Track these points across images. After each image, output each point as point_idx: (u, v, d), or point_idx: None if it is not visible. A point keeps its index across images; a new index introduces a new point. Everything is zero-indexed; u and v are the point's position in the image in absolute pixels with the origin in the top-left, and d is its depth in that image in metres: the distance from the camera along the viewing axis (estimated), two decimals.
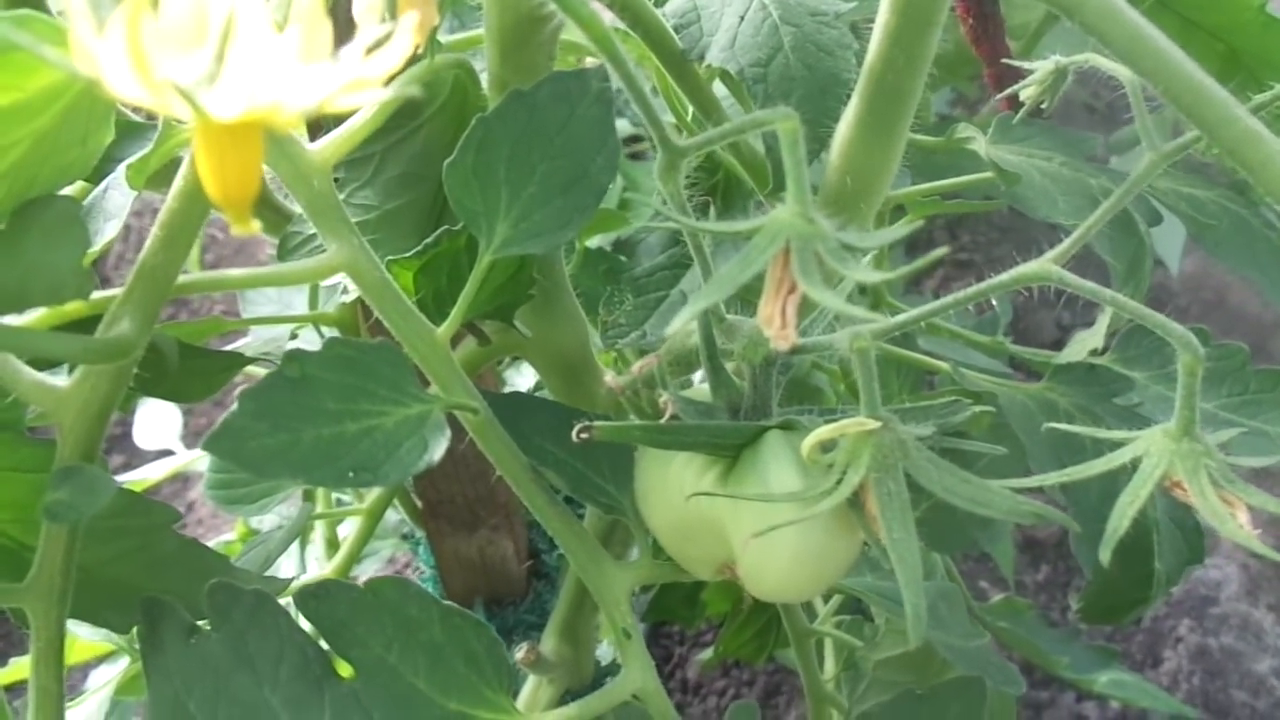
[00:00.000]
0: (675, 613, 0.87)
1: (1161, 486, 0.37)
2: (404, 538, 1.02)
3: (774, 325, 0.32)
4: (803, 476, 0.39)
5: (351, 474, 0.35)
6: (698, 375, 0.55)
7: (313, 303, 0.66)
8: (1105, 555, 0.36)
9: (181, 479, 1.41)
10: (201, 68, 0.22)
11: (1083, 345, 0.65)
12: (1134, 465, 0.38)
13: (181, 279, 0.37)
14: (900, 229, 0.32)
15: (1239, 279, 1.61)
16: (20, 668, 0.78)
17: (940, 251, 0.29)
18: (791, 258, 0.31)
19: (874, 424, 0.37)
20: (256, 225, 0.24)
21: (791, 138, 0.31)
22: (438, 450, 0.37)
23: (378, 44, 0.23)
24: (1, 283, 0.32)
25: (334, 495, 0.73)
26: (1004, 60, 0.55)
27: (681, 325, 0.29)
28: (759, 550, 0.39)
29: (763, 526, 0.38)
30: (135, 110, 0.57)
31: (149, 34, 0.20)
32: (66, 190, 0.41)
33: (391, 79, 0.24)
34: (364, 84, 0.22)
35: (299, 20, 0.22)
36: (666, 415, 0.41)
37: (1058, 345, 0.75)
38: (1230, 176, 0.68)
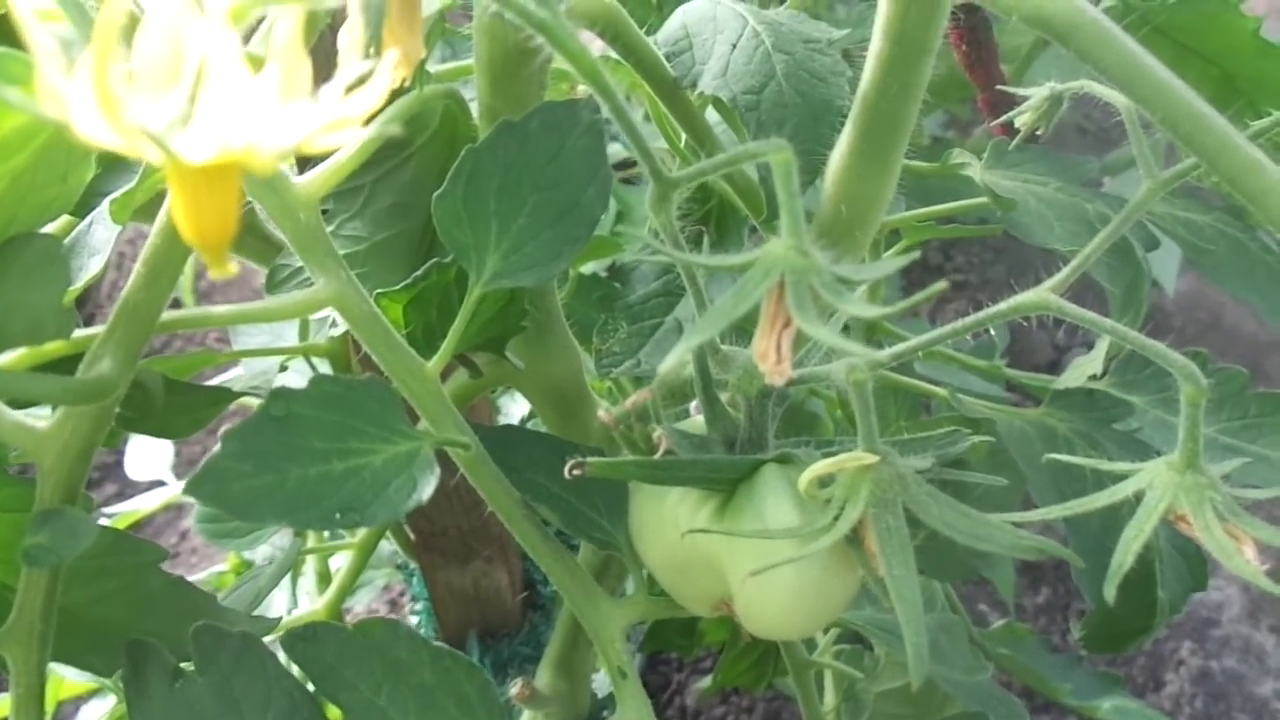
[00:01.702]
0: (673, 642, 0.86)
1: (1165, 520, 0.36)
2: (398, 568, 1.01)
3: (769, 360, 0.31)
4: (800, 512, 0.38)
5: (338, 515, 0.34)
6: (693, 404, 0.54)
7: (303, 334, 0.65)
8: (1110, 592, 0.35)
9: (175, 508, 1.40)
10: (175, 109, 0.21)
11: (1081, 371, 0.64)
12: (1137, 497, 0.38)
13: (165, 316, 0.37)
14: (893, 261, 0.31)
15: (1234, 301, 1.61)
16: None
17: (939, 286, 0.28)
18: (786, 292, 0.30)
19: (872, 458, 0.37)
20: (234, 268, 0.23)
21: (785, 170, 0.31)
22: (426, 489, 0.36)
23: (359, 81, 0.22)
24: None
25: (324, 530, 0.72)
26: (998, 87, 0.54)
27: (676, 360, 0.28)
28: (756, 588, 0.38)
29: (760, 564, 0.38)
30: None
31: (118, 75, 0.20)
32: (49, 226, 0.40)
33: (377, 114, 0.23)
34: (344, 123, 0.21)
35: (277, 58, 0.21)
36: (661, 450, 0.40)
37: (1054, 366, 0.75)
38: (1226, 200, 0.68)
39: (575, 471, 0.38)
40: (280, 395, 0.35)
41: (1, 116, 0.27)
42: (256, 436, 0.34)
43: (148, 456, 0.92)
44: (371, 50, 0.23)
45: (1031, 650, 0.89)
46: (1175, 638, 1.30)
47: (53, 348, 0.36)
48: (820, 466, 0.37)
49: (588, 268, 0.79)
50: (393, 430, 0.38)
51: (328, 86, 0.22)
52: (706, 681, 1.06)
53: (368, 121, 0.22)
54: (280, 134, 0.21)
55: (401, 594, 1.30)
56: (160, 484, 0.94)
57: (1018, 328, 1.56)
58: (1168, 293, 1.34)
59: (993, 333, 0.78)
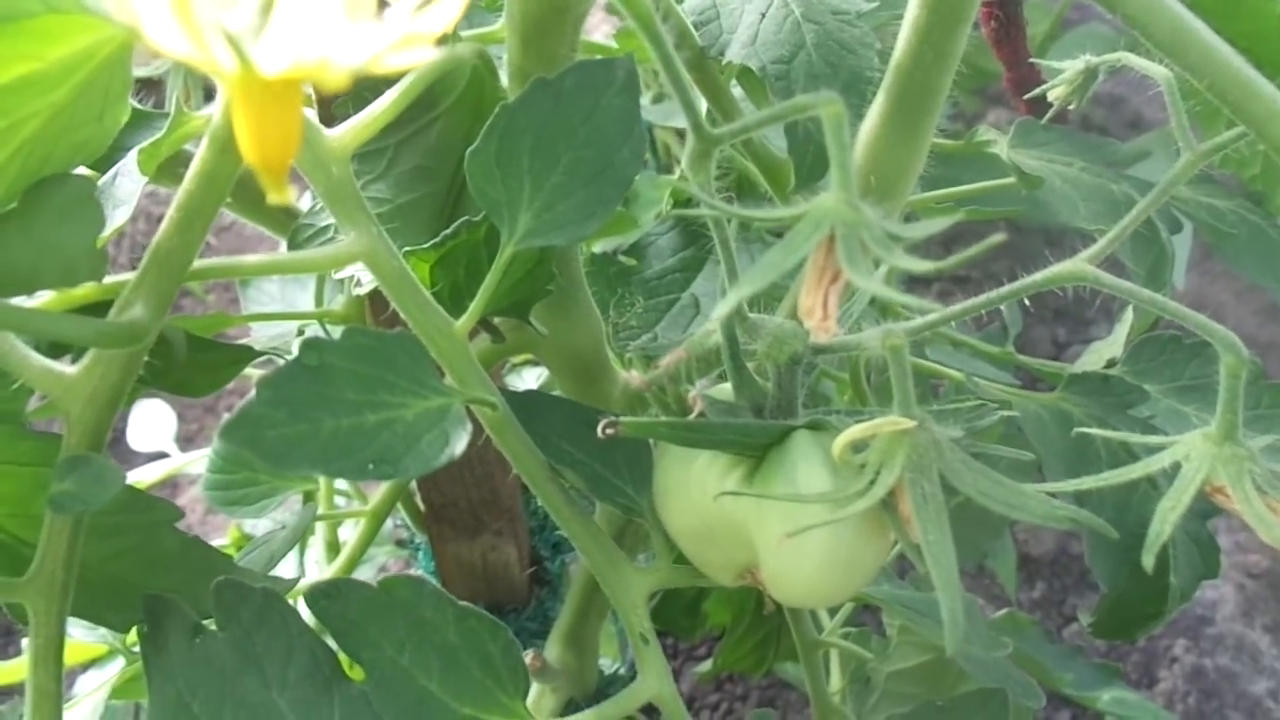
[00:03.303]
0: (676, 623, 0.86)
1: (1202, 491, 0.36)
2: (399, 544, 1.00)
3: (815, 316, 0.31)
4: (833, 477, 0.38)
5: (371, 466, 0.34)
6: (702, 381, 0.54)
7: (318, 300, 0.64)
8: (1149, 561, 0.35)
9: (170, 484, 1.39)
10: (244, 21, 0.20)
11: (1099, 355, 0.64)
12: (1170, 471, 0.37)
13: (196, 264, 0.36)
14: (941, 220, 0.31)
15: (1236, 298, 1.61)
16: (6, 671, 0.77)
17: (997, 238, 0.28)
18: (837, 245, 0.30)
19: (909, 423, 0.36)
20: (292, 194, 0.23)
21: (836, 122, 0.30)
22: (459, 444, 0.36)
23: (424, 3, 0.22)
24: (13, 262, 0.31)
25: (334, 498, 0.71)
26: (1030, 60, 0.54)
27: (721, 315, 0.28)
28: (787, 553, 0.38)
29: (791, 528, 0.37)
30: (144, 101, 0.56)
31: None
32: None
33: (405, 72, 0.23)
34: (415, 40, 0.21)
35: None
36: (695, 412, 0.40)
37: (1055, 361, 0.75)
38: (1246, 187, 0.68)
39: (608, 431, 0.38)
40: (313, 345, 0.35)
41: (48, 45, 0.27)
42: (290, 385, 0.34)
43: (151, 427, 0.91)
44: None
45: (1033, 640, 0.89)
46: (1169, 635, 1.30)
47: (82, 292, 0.35)
48: (857, 430, 0.36)
49: (598, 246, 0.78)
50: (423, 385, 0.37)
51: (395, 6, 0.21)
52: (704, 667, 1.06)
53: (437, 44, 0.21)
54: (353, 49, 0.20)
55: (397, 573, 1.30)
56: (158, 457, 0.93)
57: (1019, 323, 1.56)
58: (1176, 287, 1.34)
59: (1006, 319, 0.78)
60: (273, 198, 0.22)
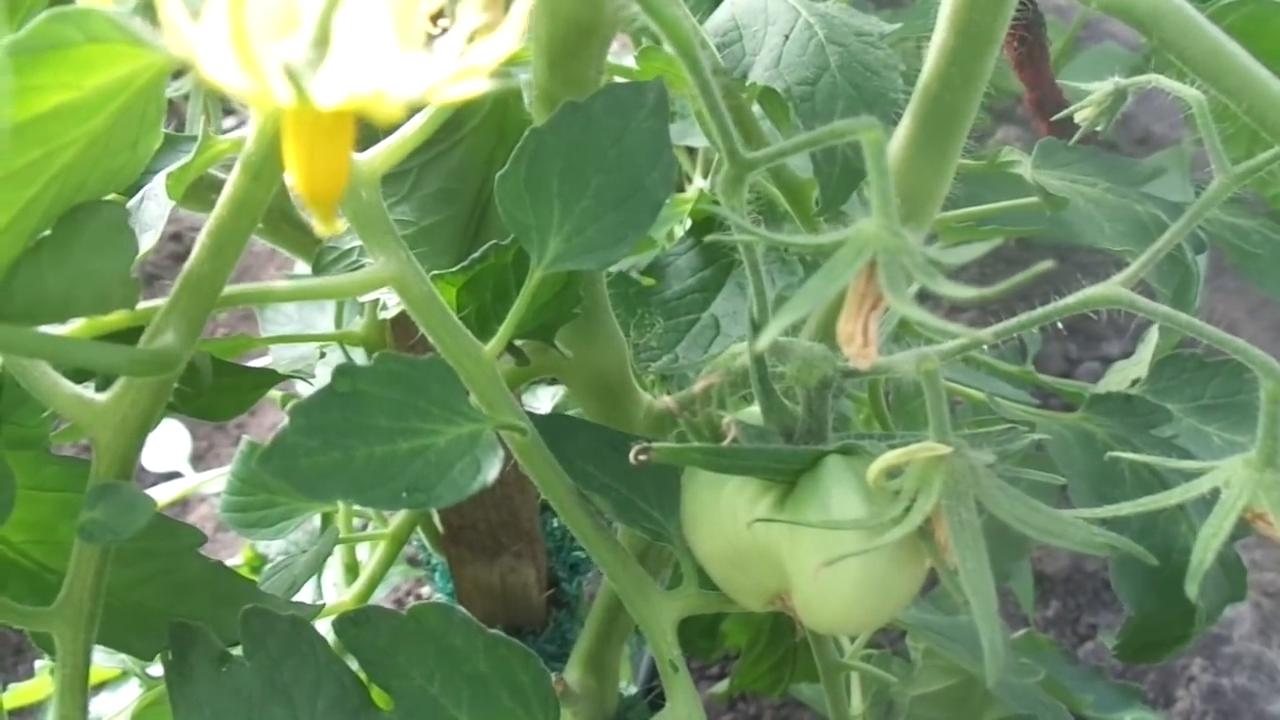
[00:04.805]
0: (694, 644, 0.85)
1: (1242, 518, 0.36)
2: (412, 563, 1.00)
3: (856, 342, 0.31)
4: (867, 504, 0.38)
5: (405, 495, 0.34)
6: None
7: (338, 321, 0.64)
8: (1193, 590, 0.34)
9: (180, 504, 1.39)
10: (298, 53, 0.20)
11: (1124, 375, 0.64)
12: (1212, 495, 0.37)
13: (226, 290, 0.36)
14: (982, 245, 0.31)
15: (1249, 315, 1.61)
16: (22, 693, 0.76)
17: (1044, 265, 0.28)
18: (879, 271, 0.29)
19: (945, 449, 0.36)
20: (342, 224, 0.22)
21: (876, 147, 0.30)
22: (492, 472, 0.36)
23: (474, 35, 0.21)
24: (47, 290, 0.31)
25: (352, 519, 0.71)
26: (1055, 81, 0.54)
27: (767, 341, 0.28)
28: (820, 581, 0.38)
29: (825, 555, 0.37)
30: (165, 124, 0.56)
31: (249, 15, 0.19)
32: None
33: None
34: (470, 73, 0.20)
35: (393, 8, 0.21)
36: (730, 438, 0.39)
37: (1066, 378, 0.75)
38: (1269, 207, 0.67)
39: (640, 457, 0.37)
40: (346, 372, 0.35)
41: (86, 74, 0.27)
42: (323, 413, 0.33)
43: (165, 447, 0.91)
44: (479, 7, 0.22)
45: (1053, 661, 0.88)
46: (1186, 654, 1.30)
47: (112, 319, 0.35)
48: (892, 456, 0.36)
49: (615, 266, 0.78)
50: (455, 411, 0.37)
51: (446, 38, 0.21)
52: (720, 687, 1.05)
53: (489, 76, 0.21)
54: (409, 81, 0.20)
55: (408, 594, 1.29)
56: (170, 477, 0.93)
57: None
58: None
59: (1024, 338, 0.78)
60: (321, 229, 0.22)
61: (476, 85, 0.21)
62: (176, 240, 1.43)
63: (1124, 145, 1.80)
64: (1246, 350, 0.36)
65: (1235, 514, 0.35)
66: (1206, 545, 0.35)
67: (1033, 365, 0.78)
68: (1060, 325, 0.41)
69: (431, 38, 0.22)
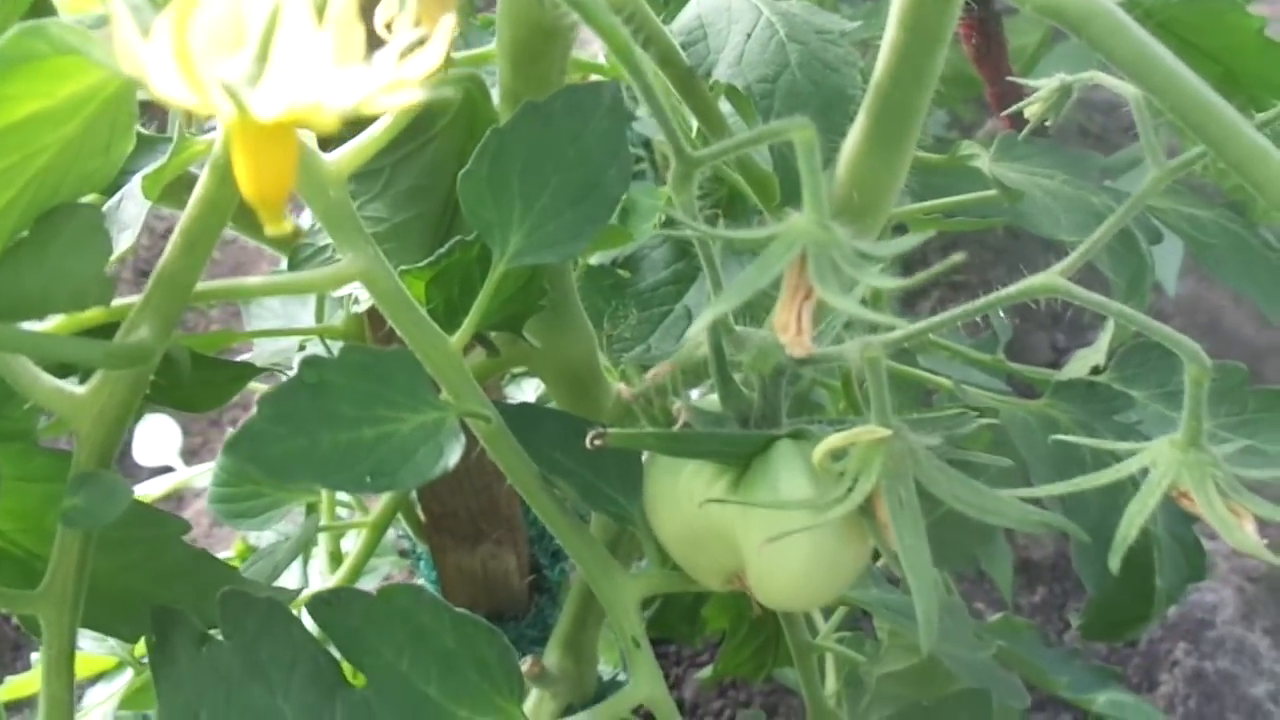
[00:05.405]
0: (676, 629, 0.87)
1: (1168, 496, 0.38)
2: (402, 554, 1.02)
3: (789, 332, 0.32)
4: (814, 484, 0.40)
5: (369, 479, 0.35)
6: (695, 392, 0.55)
7: (319, 316, 0.66)
8: (1115, 563, 0.36)
9: (175, 497, 1.41)
10: (242, 68, 0.22)
11: (1084, 362, 0.65)
12: (1139, 477, 0.39)
13: (199, 286, 0.38)
14: (912, 239, 0.32)
15: (1233, 303, 1.62)
16: (17, 685, 0.78)
17: (956, 258, 0.30)
18: (808, 264, 0.31)
19: (885, 432, 0.38)
20: (290, 224, 0.24)
21: (807, 146, 0.32)
22: (453, 456, 0.37)
23: (410, 49, 0.23)
24: (26, 289, 0.33)
25: (336, 509, 0.73)
26: (1007, 79, 0.55)
27: (699, 330, 0.30)
28: (771, 558, 0.39)
29: (774, 534, 0.39)
30: (146, 124, 0.57)
31: (193, 34, 0.21)
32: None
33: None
34: (402, 85, 0.22)
35: (333, 23, 0.22)
36: (680, 423, 0.41)
37: (1053, 367, 0.76)
38: (1228, 197, 0.69)
39: (596, 442, 0.39)
40: (313, 363, 0.36)
41: (57, 84, 0.29)
42: (291, 401, 0.35)
43: (156, 442, 0.93)
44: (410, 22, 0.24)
45: (1028, 643, 0.90)
46: (1170, 639, 1.31)
47: (91, 315, 0.37)
48: (835, 439, 0.38)
49: (594, 258, 0.80)
50: (419, 399, 0.39)
51: (381, 52, 0.23)
52: (706, 673, 1.07)
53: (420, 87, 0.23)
54: (344, 93, 0.22)
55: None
56: (163, 471, 0.94)
57: (1017, 329, 1.57)
58: (1168, 294, 1.35)
59: (995, 326, 0.79)
60: (270, 230, 0.24)
61: (410, 96, 0.22)
62: (169, 238, 1.44)
63: (1112, 134, 1.81)
64: (1170, 335, 0.38)
65: (1160, 492, 0.37)
66: (1130, 520, 0.37)
67: (1017, 354, 0.80)
68: (1047, 315, 0.42)
69: (381, 45, 0.24)
